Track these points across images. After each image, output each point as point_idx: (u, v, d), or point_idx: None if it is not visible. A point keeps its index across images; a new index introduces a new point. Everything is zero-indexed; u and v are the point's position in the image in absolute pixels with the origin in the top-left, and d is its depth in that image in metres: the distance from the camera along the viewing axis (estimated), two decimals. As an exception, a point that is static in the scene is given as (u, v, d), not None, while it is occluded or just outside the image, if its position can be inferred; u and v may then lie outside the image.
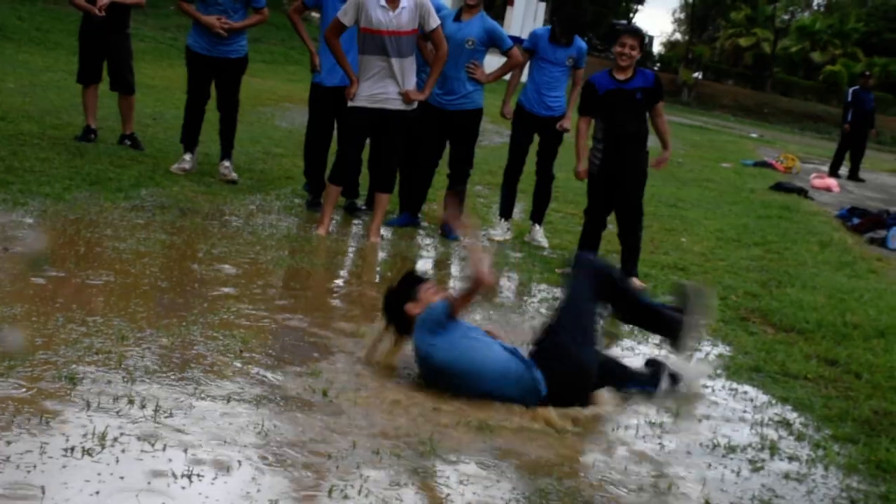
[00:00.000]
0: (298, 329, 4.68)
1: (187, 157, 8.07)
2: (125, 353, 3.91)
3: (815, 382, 5.09)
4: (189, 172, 7.93)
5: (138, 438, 3.17)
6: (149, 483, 2.90)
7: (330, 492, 3.05)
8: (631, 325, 5.15)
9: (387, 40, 6.54)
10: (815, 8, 63.55)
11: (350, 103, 6.75)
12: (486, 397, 4.10)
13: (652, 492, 3.54)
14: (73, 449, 3.02)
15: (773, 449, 4.09)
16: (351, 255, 6.62)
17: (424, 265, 6.73)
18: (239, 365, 4.03)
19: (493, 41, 7.38)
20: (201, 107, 8.09)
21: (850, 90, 19.41)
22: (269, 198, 7.67)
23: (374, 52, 6.59)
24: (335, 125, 7.58)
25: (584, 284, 4.44)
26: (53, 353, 3.78)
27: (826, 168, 19.32)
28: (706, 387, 4.75)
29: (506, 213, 7.95)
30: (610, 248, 7.49)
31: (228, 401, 3.63)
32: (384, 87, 6.67)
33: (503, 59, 7.65)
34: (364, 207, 7.79)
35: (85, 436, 3.12)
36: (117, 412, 3.34)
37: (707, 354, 5.33)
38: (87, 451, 3.02)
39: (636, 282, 6.70)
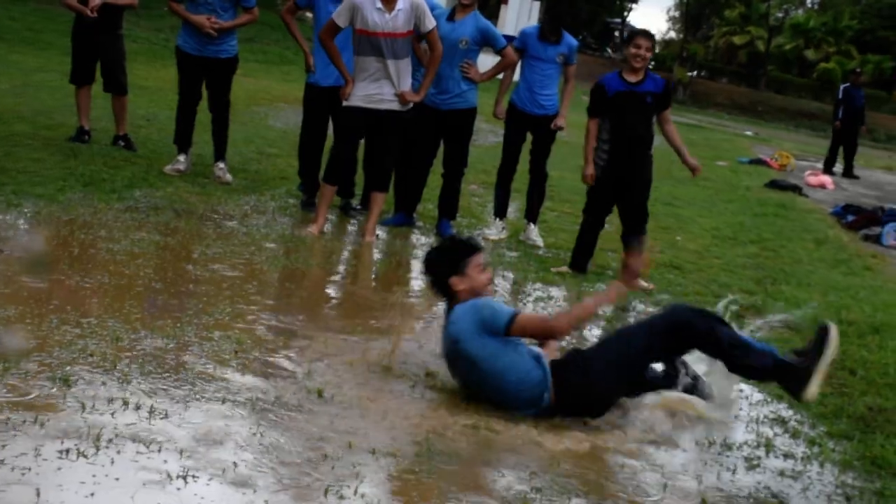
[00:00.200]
0: (293, 330, 4.67)
1: (181, 157, 8.05)
2: (119, 354, 3.90)
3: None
4: (183, 173, 7.92)
5: (133, 440, 3.16)
6: (144, 484, 2.90)
7: (326, 492, 3.05)
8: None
9: (382, 42, 6.53)
10: (809, 6, 63.58)
11: (345, 103, 6.75)
12: (496, 397, 4.08)
13: (648, 490, 3.54)
14: (67, 451, 3.01)
15: (769, 446, 4.09)
16: (346, 255, 6.62)
17: (420, 266, 6.72)
18: (234, 366, 4.02)
19: (486, 40, 7.39)
20: (193, 107, 8.08)
21: (842, 87, 19.47)
22: (263, 198, 7.66)
23: (369, 53, 6.59)
24: (330, 125, 7.58)
25: (662, 331, 4.13)
26: (48, 354, 3.77)
27: (821, 165, 19.35)
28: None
29: (500, 212, 7.94)
30: (606, 246, 7.49)
31: (223, 402, 3.63)
32: (379, 88, 6.67)
33: (497, 59, 7.64)
34: (359, 207, 7.78)
35: (80, 437, 3.11)
36: (112, 414, 3.34)
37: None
38: (81, 453, 3.01)
39: (641, 283, 6.70)
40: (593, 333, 5.47)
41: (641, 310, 6.21)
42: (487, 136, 14.02)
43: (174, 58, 8.21)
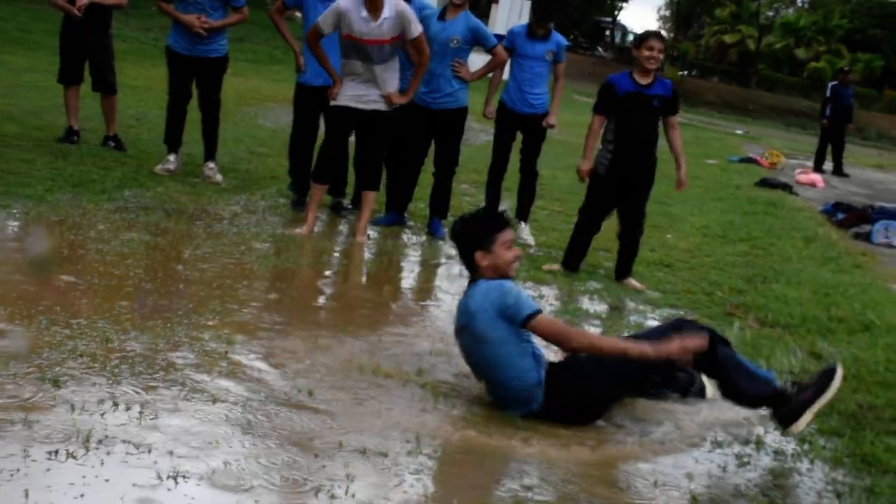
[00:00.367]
0: (284, 329, 4.66)
1: (171, 157, 8.03)
2: (109, 355, 3.89)
3: (800, 377, 5.09)
4: (173, 173, 7.90)
5: (123, 441, 3.15)
6: (134, 485, 2.89)
7: (317, 492, 3.05)
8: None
9: (369, 48, 6.55)
10: (800, 5, 63.74)
11: (333, 102, 6.76)
12: (488, 386, 4.11)
13: (638, 487, 3.54)
14: (57, 452, 3.00)
15: (759, 443, 4.10)
16: (337, 254, 6.61)
17: (411, 266, 6.72)
18: (224, 366, 4.01)
19: (477, 39, 7.38)
20: (183, 107, 8.06)
21: (830, 85, 19.54)
22: (253, 198, 7.65)
23: (355, 57, 6.61)
24: (321, 124, 7.57)
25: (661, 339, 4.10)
26: (37, 355, 3.76)
27: (811, 164, 19.40)
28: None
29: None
30: (598, 245, 7.49)
31: (214, 402, 3.62)
32: (366, 90, 6.69)
33: (487, 58, 7.64)
34: (350, 206, 7.77)
35: (69, 438, 3.10)
36: (102, 414, 3.33)
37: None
38: (71, 454, 3.00)
39: (634, 282, 6.71)
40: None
41: (633, 308, 6.22)
42: (478, 135, 14.03)
43: (164, 57, 8.20)
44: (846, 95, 18.88)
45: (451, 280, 6.34)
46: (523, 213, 7.92)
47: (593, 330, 5.55)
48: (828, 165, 19.19)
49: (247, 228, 6.57)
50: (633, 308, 6.22)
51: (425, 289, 6.25)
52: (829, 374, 4.07)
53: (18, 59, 14.65)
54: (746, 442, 4.12)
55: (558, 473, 3.53)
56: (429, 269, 6.66)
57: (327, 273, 6.10)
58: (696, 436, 4.12)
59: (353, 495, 3.06)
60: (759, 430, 4.25)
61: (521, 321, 3.95)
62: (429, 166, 7.77)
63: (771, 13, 60.20)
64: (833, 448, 4.15)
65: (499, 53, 7.54)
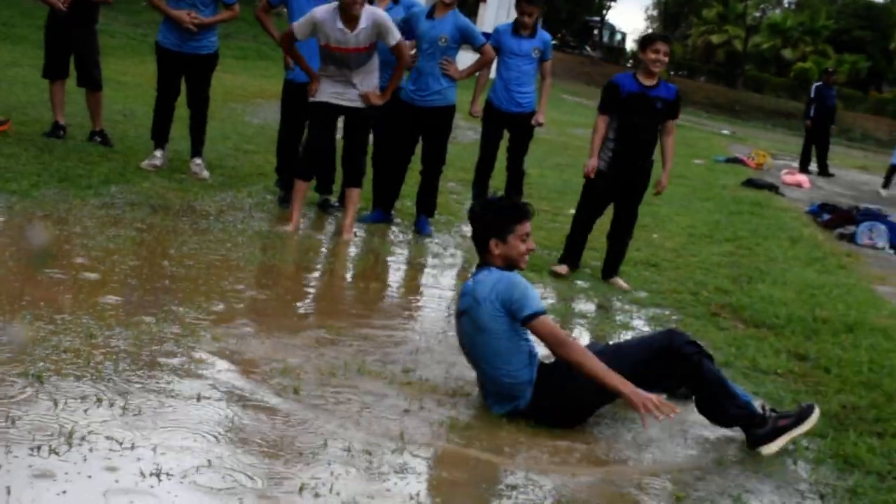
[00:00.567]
0: (269, 327, 4.65)
1: (158, 153, 8.00)
2: (93, 351, 3.87)
3: (784, 377, 5.12)
4: (160, 169, 7.87)
5: (106, 437, 3.14)
6: (116, 482, 2.88)
7: (301, 490, 3.04)
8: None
9: (345, 57, 6.57)
10: (786, 5, 63.97)
11: (312, 99, 6.76)
12: (479, 378, 4.11)
13: (622, 487, 3.55)
14: (39, 448, 2.99)
15: (744, 444, 4.11)
16: (323, 252, 6.60)
17: (397, 264, 6.72)
18: (209, 363, 4.00)
19: (465, 38, 7.38)
20: (171, 103, 8.03)
21: (814, 86, 19.61)
22: (240, 194, 7.63)
23: (333, 63, 6.66)
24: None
25: (651, 346, 4.16)
26: (20, 351, 3.74)
27: (797, 164, 19.46)
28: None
29: (471, 216, 7.92)
30: (588, 245, 7.50)
31: (198, 399, 3.61)
32: (344, 88, 6.73)
33: (475, 56, 7.64)
34: (337, 204, 7.76)
35: (51, 435, 3.09)
36: (85, 411, 3.31)
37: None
38: (53, 451, 2.99)
39: (620, 282, 6.71)
40: (581, 335, 5.48)
41: (619, 307, 6.23)
42: (466, 133, 14.03)
43: (152, 53, 8.17)
44: (830, 96, 18.97)
45: (437, 278, 6.34)
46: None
47: (579, 330, 5.56)
48: (813, 166, 19.26)
49: (233, 225, 6.56)
50: (620, 308, 6.23)
51: (411, 287, 6.25)
52: (808, 410, 4.15)
53: (3, 53, 14.57)
54: (730, 442, 4.13)
55: (542, 472, 3.53)
56: (415, 267, 6.66)
57: (313, 271, 6.09)
58: (681, 436, 4.13)
59: (338, 494, 3.05)
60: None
61: (523, 318, 3.93)
62: (416, 164, 7.77)
63: (758, 14, 60.39)
64: (816, 449, 4.17)
65: (487, 52, 7.54)
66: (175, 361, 3.95)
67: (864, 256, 9.90)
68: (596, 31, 59.23)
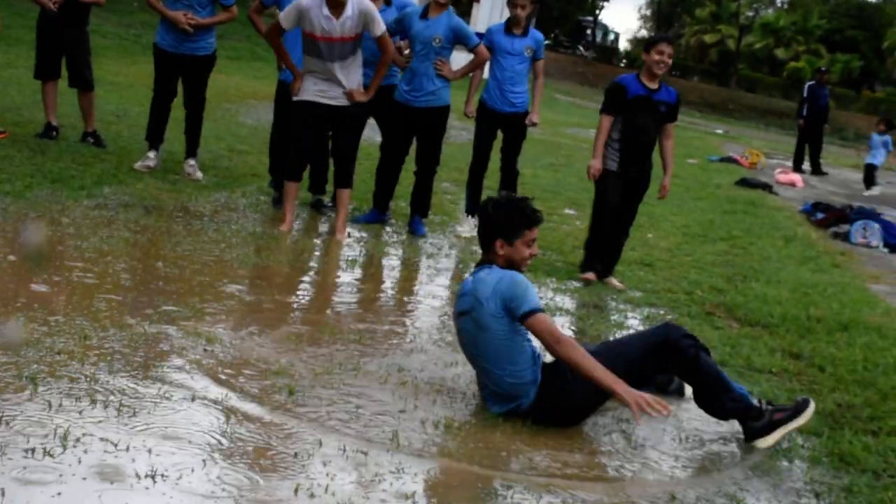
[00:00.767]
0: (263, 327, 4.64)
1: (151, 154, 7.99)
2: (87, 352, 3.86)
3: (779, 376, 5.13)
4: (153, 170, 7.86)
5: (101, 439, 3.13)
6: (112, 483, 2.87)
7: (296, 490, 3.03)
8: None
9: (331, 46, 6.55)
10: (779, 5, 64.02)
11: (296, 97, 6.75)
12: (480, 377, 4.11)
13: (618, 485, 3.55)
14: (34, 450, 2.98)
15: (740, 442, 4.12)
16: (316, 252, 6.59)
17: (391, 264, 6.71)
18: (203, 364, 3.99)
19: (459, 38, 7.37)
20: (167, 104, 8.02)
21: (806, 85, 19.65)
22: (234, 195, 7.62)
23: (317, 55, 6.63)
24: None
25: (648, 343, 4.15)
26: (14, 353, 3.73)
27: (790, 163, 19.49)
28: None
29: (472, 209, 7.94)
30: (578, 244, 7.50)
31: (193, 399, 3.60)
32: (329, 85, 6.70)
33: (468, 56, 7.64)
34: (331, 204, 7.75)
35: (46, 436, 3.08)
36: (79, 412, 3.30)
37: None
38: (48, 452, 2.98)
39: (615, 282, 6.71)
40: (577, 335, 5.48)
41: (613, 307, 6.23)
42: (460, 133, 14.02)
43: (145, 53, 8.20)
44: (822, 96, 18.99)
45: (432, 278, 6.33)
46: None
47: (574, 330, 5.56)
48: (806, 165, 19.28)
49: (227, 226, 6.55)
50: (614, 307, 6.23)
51: (405, 287, 6.24)
52: (804, 403, 4.18)
53: (-3, 54, 14.52)
54: (727, 440, 4.14)
55: (538, 472, 3.53)
56: (409, 267, 6.65)
57: (307, 271, 6.08)
58: (676, 435, 4.13)
59: (333, 494, 3.05)
60: (739, 428, 4.26)
61: (521, 315, 3.91)
62: (410, 164, 7.76)
63: (751, 13, 60.44)
64: (811, 447, 4.17)
65: (481, 52, 7.54)
66: (169, 363, 3.94)
67: (858, 255, 9.92)
68: (589, 31, 59.26)
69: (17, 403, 3.29)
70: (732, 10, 56.88)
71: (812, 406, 4.16)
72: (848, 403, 4.79)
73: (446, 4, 7.31)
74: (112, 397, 3.47)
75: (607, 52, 59.11)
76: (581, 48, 55.81)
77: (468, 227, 7.82)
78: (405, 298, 5.92)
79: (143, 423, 3.31)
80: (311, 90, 6.72)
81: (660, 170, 6.86)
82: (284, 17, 6.55)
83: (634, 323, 5.90)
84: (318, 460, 3.27)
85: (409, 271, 6.57)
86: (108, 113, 10.16)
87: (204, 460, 3.12)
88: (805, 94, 19.18)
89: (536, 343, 4.10)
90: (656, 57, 6.46)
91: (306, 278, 5.91)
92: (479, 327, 3.99)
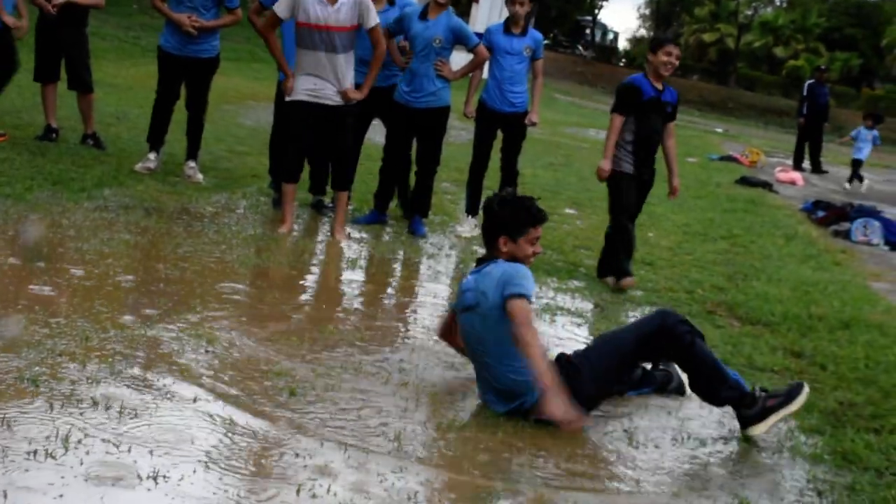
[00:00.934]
0: (264, 328, 4.64)
1: (152, 156, 7.99)
2: (89, 354, 3.86)
3: (781, 374, 5.12)
4: (153, 172, 7.85)
5: (103, 440, 3.13)
6: (113, 485, 2.87)
7: (298, 490, 3.03)
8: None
9: (325, 35, 6.52)
10: (778, 3, 64.02)
11: (288, 98, 6.73)
12: (482, 372, 4.10)
13: (620, 483, 3.54)
14: (35, 452, 2.98)
15: (741, 440, 4.12)
16: (316, 253, 6.58)
17: (391, 264, 6.71)
18: (204, 365, 3.99)
19: (458, 39, 7.37)
20: (170, 106, 8.03)
21: (806, 84, 19.63)
22: (234, 196, 7.61)
23: (311, 46, 6.58)
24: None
25: (645, 333, 4.16)
26: (15, 354, 3.73)
27: (790, 162, 19.48)
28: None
29: (472, 209, 7.94)
30: (579, 243, 7.51)
31: (195, 400, 3.60)
32: (322, 83, 6.66)
33: (467, 56, 7.64)
34: (331, 205, 7.74)
35: (48, 438, 3.08)
36: (81, 414, 3.30)
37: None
38: (50, 454, 2.98)
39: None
40: (578, 334, 5.48)
41: (614, 306, 6.22)
42: (460, 133, 14.02)
43: (144, 56, 8.23)
44: (822, 94, 18.98)
45: (432, 278, 6.33)
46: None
47: (574, 329, 5.56)
48: (807, 164, 19.27)
49: (227, 227, 6.54)
50: (615, 306, 6.22)
51: (406, 287, 6.24)
52: (797, 389, 4.17)
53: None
54: (728, 439, 4.13)
55: (539, 471, 3.53)
56: (409, 267, 6.65)
57: (307, 272, 6.08)
58: (678, 432, 4.13)
59: (335, 494, 3.05)
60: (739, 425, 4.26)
61: (508, 295, 3.89)
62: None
63: (749, 12, 60.42)
64: (814, 445, 4.17)
65: (480, 52, 7.53)
66: (170, 364, 3.93)
67: (859, 253, 9.91)
68: (588, 31, 59.29)
69: (18, 405, 3.29)
70: (731, 8, 56.89)
71: (806, 390, 4.15)
72: (850, 401, 4.79)
73: (446, 5, 7.31)
74: (113, 399, 3.46)
75: (606, 51, 59.16)
76: (580, 48, 55.86)
77: (468, 228, 7.81)
78: (406, 299, 5.92)
79: (145, 425, 3.30)
80: (304, 90, 6.67)
81: (660, 167, 6.86)
82: (278, 6, 6.54)
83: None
84: (320, 461, 3.27)
85: (410, 271, 6.57)
86: (107, 115, 10.16)
87: (206, 462, 3.12)
88: (805, 93, 19.16)
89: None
90: (664, 58, 6.44)
91: (306, 279, 5.90)
92: (485, 323, 4.00)
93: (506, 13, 7.84)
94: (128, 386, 3.62)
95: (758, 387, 4.22)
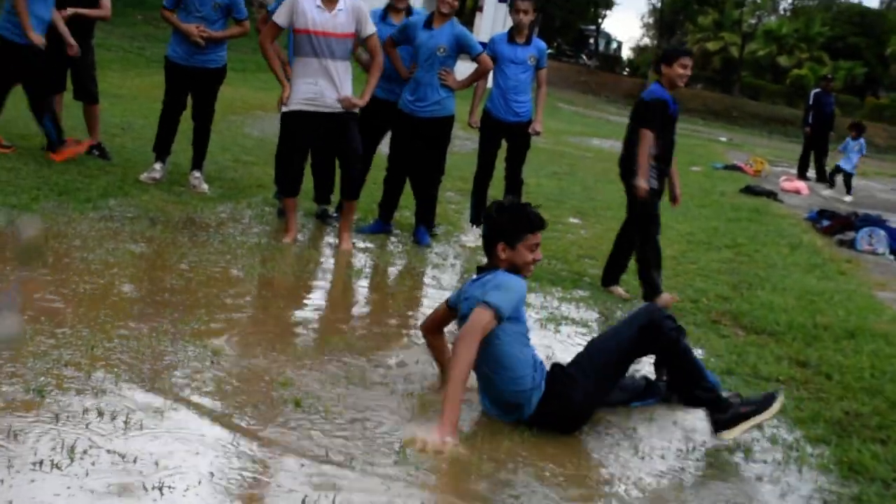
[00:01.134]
0: (270, 339, 4.64)
1: (157, 166, 8.01)
2: (94, 364, 3.86)
3: (786, 384, 5.11)
4: (159, 182, 7.87)
5: (108, 451, 3.13)
6: (119, 496, 2.87)
7: (303, 501, 3.03)
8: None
9: (323, 41, 6.52)
10: (782, 12, 64.10)
11: (284, 108, 6.73)
12: (482, 383, 4.10)
13: (625, 495, 3.54)
14: (41, 462, 2.98)
15: (747, 451, 4.11)
16: (322, 263, 6.58)
17: (396, 274, 6.71)
18: (210, 375, 3.99)
19: (462, 47, 7.39)
20: (176, 116, 8.05)
21: (812, 93, 19.59)
22: (239, 206, 7.62)
23: (308, 53, 6.57)
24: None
25: (634, 331, 4.14)
26: (21, 365, 3.73)
27: (795, 171, 19.46)
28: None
29: (476, 219, 7.95)
30: (583, 252, 7.50)
31: (200, 411, 3.60)
32: (319, 90, 6.63)
33: (472, 65, 7.64)
34: (336, 214, 7.74)
35: (54, 449, 3.08)
36: (87, 424, 3.30)
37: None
38: (56, 465, 2.98)
39: (620, 290, 6.68)
40: (582, 344, 5.48)
41: (619, 316, 6.21)
42: (464, 143, 14.03)
43: (149, 66, 8.24)
44: (828, 103, 18.95)
45: (437, 288, 6.32)
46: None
47: (578, 339, 5.55)
48: (811, 173, 19.26)
49: (232, 237, 6.55)
50: (620, 316, 6.22)
51: (411, 297, 6.23)
52: (771, 398, 4.18)
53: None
54: (733, 449, 4.13)
55: (545, 482, 3.52)
56: (414, 277, 6.65)
57: (312, 282, 6.08)
58: (683, 443, 4.12)
59: (341, 505, 3.05)
60: (747, 437, 4.25)
61: (480, 300, 3.89)
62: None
63: (753, 21, 60.47)
64: (820, 456, 4.16)
65: (484, 61, 7.54)
66: (176, 374, 3.94)
67: (864, 262, 9.90)
68: (591, 40, 59.35)
69: (24, 416, 3.29)
70: (735, 17, 56.93)
71: (780, 400, 4.15)
72: (856, 412, 4.78)
73: (450, 14, 7.32)
74: (119, 409, 3.47)
75: (610, 60, 59.23)
76: (584, 57, 55.93)
77: (473, 237, 7.81)
78: (410, 308, 5.91)
79: (151, 436, 3.31)
80: (300, 100, 6.64)
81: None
82: (277, 14, 6.56)
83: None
84: (326, 471, 3.27)
85: (414, 281, 6.57)
86: (112, 125, 10.19)
87: (211, 472, 3.12)
88: (811, 102, 19.13)
89: (537, 350, 4.12)
90: (680, 70, 6.40)
91: (311, 289, 5.90)
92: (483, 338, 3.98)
93: (510, 22, 7.85)
94: (133, 396, 3.62)
95: (734, 393, 4.24)
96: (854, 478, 3.96)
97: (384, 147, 7.85)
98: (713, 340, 5.78)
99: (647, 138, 6.46)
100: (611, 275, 6.83)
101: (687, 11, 59.50)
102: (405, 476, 3.34)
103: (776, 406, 4.14)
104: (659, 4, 59.92)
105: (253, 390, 3.92)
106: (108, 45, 18.30)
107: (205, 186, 7.96)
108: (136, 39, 21.28)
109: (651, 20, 69.93)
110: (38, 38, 7.66)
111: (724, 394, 4.22)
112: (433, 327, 4.47)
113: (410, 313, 5.80)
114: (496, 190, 8.19)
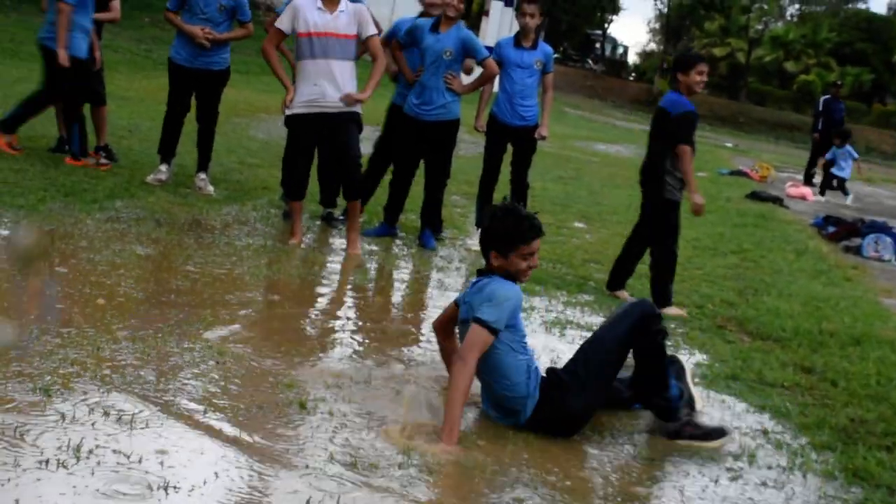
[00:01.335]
0: (275, 340, 4.65)
1: (163, 167, 8.02)
2: (100, 364, 3.87)
3: (791, 390, 5.11)
4: (164, 184, 7.89)
5: (114, 451, 3.14)
6: (125, 495, 2.87)
7: (307, 502, 3.03)
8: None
9: (324, 42, 6.55)
10: (789, 18, 64.01)
11: (287, 112, 6.74)
12: (485, 390, 4.11)
13: (629, 501, 3.53)
14: (47, 462, 2.99)
15: (752, 457, 4.10)
16: (327, 265, 6.59)
17: (401, 277, 6.71)
18: (215, 376, 4.00)
19: (468, 51, 7.39)
20: (180, 118, 8.07)
21: (821, 99, 19.54)
22: (245, 208, 7.64)
23: (311, 55, 6.59)
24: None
25: (625, 329, 4.15)
26: (28, 364, 3.74)
27: (801, 177, 19.44)
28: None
29: (482, 223, 7.94)
30: (589, 257, 7.49)
31: (205, 412, 3.61)
32: (322, 91, 6.63)
33: (479, 70, 7.65)
34: (342, 217, 7.75)
35: (60, 448, 3.09)
36: (92, 424, 3.31)
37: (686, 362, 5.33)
38: (61, 464, 2.99)
39: (626, 295, 6.67)
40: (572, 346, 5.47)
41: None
42: (469, 147, 14.04)
43: (156, 68, 8.26)
44: (837, 110, 18.91)
45: (442, 291, 6.33)
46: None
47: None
48: (817, 179, 19.22)
49: (238, 239, 6.56)
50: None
51: (415, 300, 6.24)
52: (719, 433, 4.20)
53: (10, 70, 14.59)
54: (738, 455, 4.12)
55: (548, 486, 3.52)
56: (419, 280, 6.65)
57: (318, 284, 6.08)
58: (687, 449, 4.12)
59: (345, 507, 3.05)
60: (751, 443, 4.25)
61: (474, 317, 3.90)
62: (419, 178, 7.76)
63: (760, 26, 60.37)
64: (825, 462, 4.15)
65: (490, 66, 7.55)
66: (181, 375, 3.94)
67: (870, 268, 9.89)
68: (598, 45, 59.33)
69: (30, 415, 3.30)
70: (742, 23, 56.84)
71: (725, 439, 4.17)
72: (861, 418, 4.77)
73: (456, 18, 7.33)
74: (125, 409, 3.47)
75: (616, 65, 59.18)
76: (590, 62, 55.90)
77: (478, 241, 7.80)
78: (415, 312, 5.92)
79: (156, 435, 3.31)
80: (302, 102, 6.66)
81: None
82: (280, 20, 6.61)
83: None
84: (331, 472, 3.27)
85: (420, 284, 6.57)
86: (119, 127, 10.21)
87: (216, 472, 3.12)
88: (820, 108, 19.07)
89: (532, 357, 4.14)
90: (697, 77, 6.38)
91: (317, 291, 5.91)
92: None
93: (516, 27, 7.86)
94: (139, 396, 3.63)
95: (694, 413, 4.30)
96: (859, 484, 3.96)
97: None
98: (718, 346, 5.77)
99: (688, 154, 6.42)
100: (617, 279, 6.83)
101: (693, 17, 59.42)
102: (409, 479, 3.34)
103: (720, 442, 4.15)
104: (665, 10, 59.83)
105: (258, 391, 3.92)
106: (115, 47, 18.34)
107: (210, 188, 7.97)
108: (143, 42, 21.33)
109: (657, 25, 69.90)
110: (64, 57, 7.70)
111: (679, 409, 4.27)
112: (444, 326, 4.47)
113: (415, 316, 5.80)
114: (502, 194, 8.18)
